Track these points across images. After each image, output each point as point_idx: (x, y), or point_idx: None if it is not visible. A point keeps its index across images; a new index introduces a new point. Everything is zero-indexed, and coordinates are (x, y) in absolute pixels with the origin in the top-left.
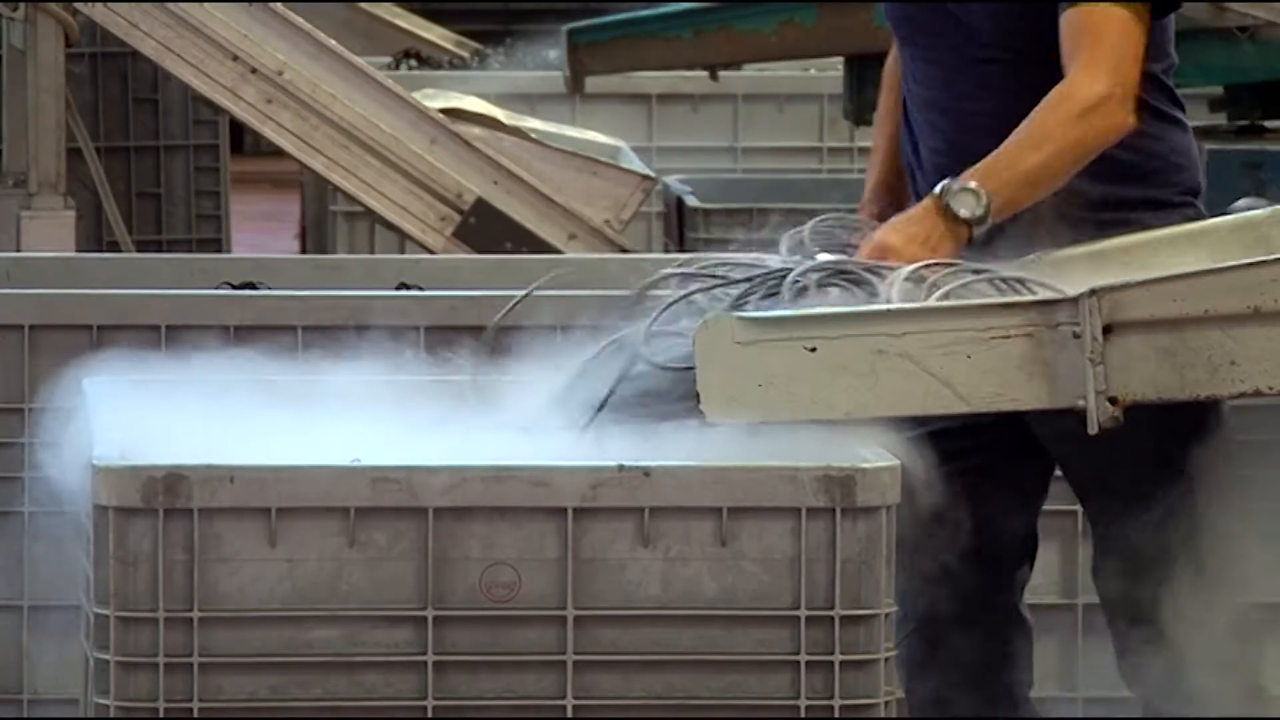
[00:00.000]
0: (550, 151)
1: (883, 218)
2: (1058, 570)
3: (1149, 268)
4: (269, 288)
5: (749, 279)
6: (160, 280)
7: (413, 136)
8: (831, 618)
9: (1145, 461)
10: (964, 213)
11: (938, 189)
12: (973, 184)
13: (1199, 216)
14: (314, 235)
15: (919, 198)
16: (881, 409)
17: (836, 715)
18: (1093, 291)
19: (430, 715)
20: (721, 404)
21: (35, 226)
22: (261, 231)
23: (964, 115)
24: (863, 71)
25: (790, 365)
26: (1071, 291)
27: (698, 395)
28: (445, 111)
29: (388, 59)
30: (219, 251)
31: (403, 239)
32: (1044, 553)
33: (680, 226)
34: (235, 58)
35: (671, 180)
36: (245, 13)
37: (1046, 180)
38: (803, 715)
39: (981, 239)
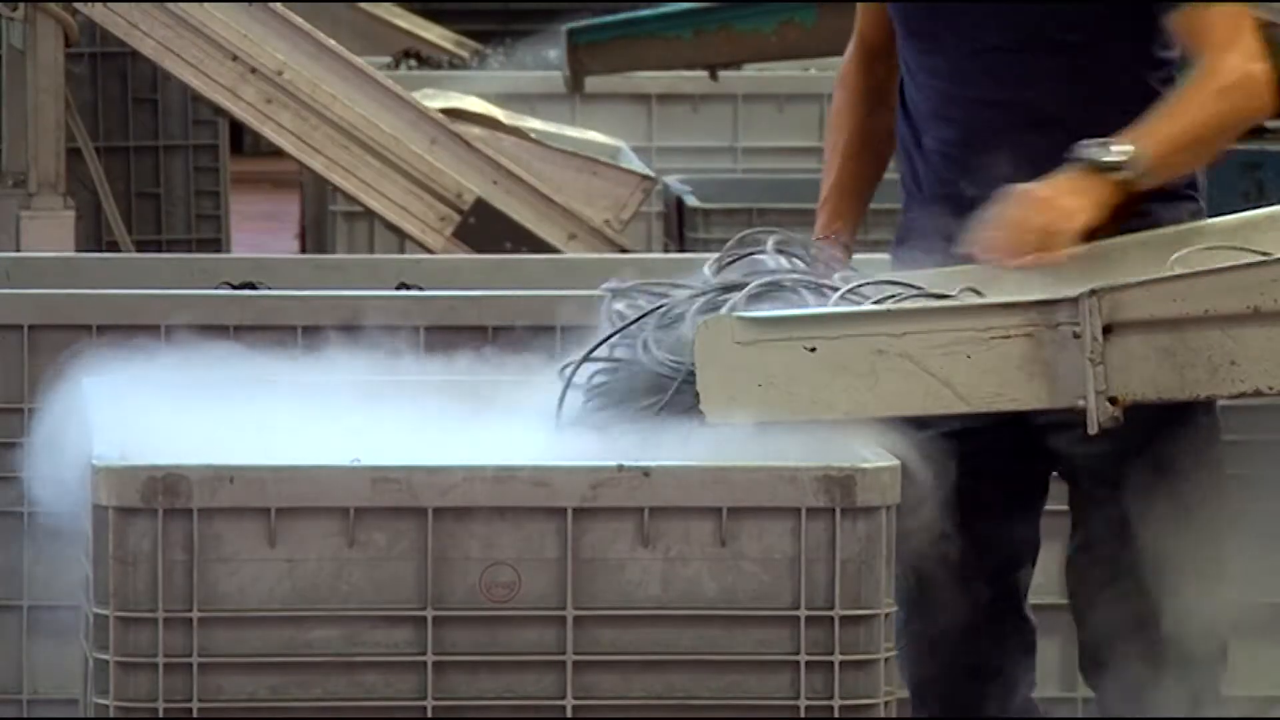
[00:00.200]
0: (550, 151)
1: (848, 244)
2: (1058, 570)
3: (1149, 268)
4: (269, 288)
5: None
6: (160, 280)
7: (413, 136)
8: (831, 618)
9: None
10: (1107, 158)
11: (1077, 149)
12: (1115, 140)
13: (1200, 211)
14: (314, 235)
15: (919, 189)
16: (881, 409)
17: (836, 715)
18: (1093, 291)
19: (430, 715)
20: (721, 404)
21: (35, 226)
22: (261, 231)
23: (980, 107)
24: None
25: (790, 365)
26: (1071, 292)
27: (697, 395)
28: (445, 111)
29: (388, 59)
30: (219, 251)
31: (403, 239)
32: (1044, 553)
33: (680, 226)
34: (235, 58)
35: (671, 180)
36: (245, 13)
37: (1194, 147)
38: (803, 715)
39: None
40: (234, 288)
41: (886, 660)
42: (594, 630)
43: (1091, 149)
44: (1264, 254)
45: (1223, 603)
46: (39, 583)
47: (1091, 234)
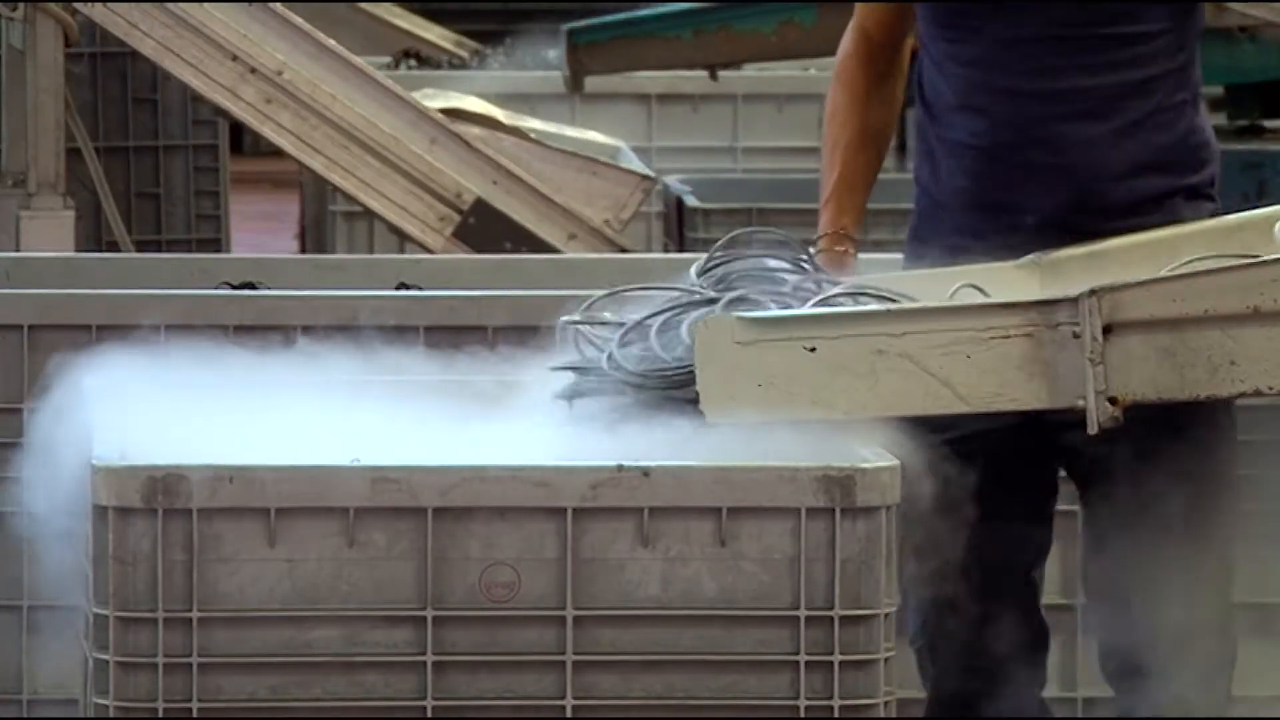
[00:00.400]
0: (550, 151)
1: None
2: (1058, 570)
3: (1148, 268)
4: (269, 288)
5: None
6: (160, 280)
7: (412, 136)
8: (831, 618)
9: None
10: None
11: None
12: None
13: (1218, 210)
14: (313, 235)
15: (937, 182)
16: (881, 409)
17: (836, 715)
18: (1093, 291)
19: (430, 715)
20: (721, 404)
21: (34, 226)
22: (261, 231)
23: (1015, 96)
24: None
25: (790, 365)
26: (1072, 292)
27: (697, 395)
28: (445, 111)
29: (388, 59)
30: (218, 251)
31: (402, 239)
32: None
33: (680, 226)
34: (235, 58)
35: (671, 180)
36: (245, 13)
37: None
38: (802, 715)
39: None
40: (234, 288)
41: (886, 660)
42: (594, 630)
43: None
44: (1254, 255)
45: (1230, 603)
46: (39, 583)
47: (1102, 232)
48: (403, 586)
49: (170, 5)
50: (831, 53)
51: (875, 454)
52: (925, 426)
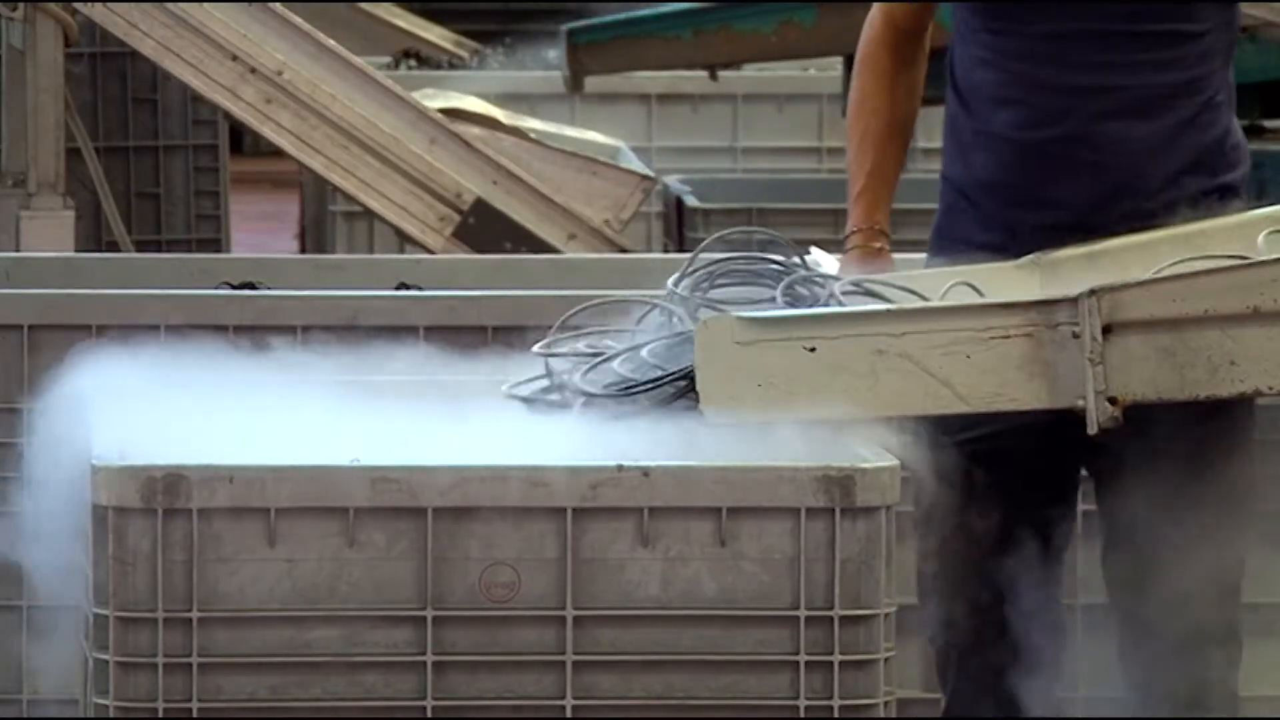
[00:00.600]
0: (550, 151)
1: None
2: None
3: (1148, 268)
4: (268, 288)
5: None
6: (160, 280)
7: (412, 136)
8: (831, 618)
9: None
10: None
11: None
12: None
13: (1248, 208)
14: (313, 235)
15: (971, 174)
16: (881, 409)
17: (836, 715)
18: (1092, 291)
19: (430, 715)
20: (721, 403)
21: (34, 226)
22: (261, 231)
23: (1061, 91)
24: None
25: (790, 365)
26: (1072, 292)
27: (697, 395)
28: (445, 111)
29: (388, 59)
30: (218, 251)
31: (402, 239)
32: None
33: (680, 226)
34: (234, 58)
35: (671, 180)
36: (245, 13)
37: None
38: (802, 715)
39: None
40: (234, 288)
41: (886, 660)
42: (594, 630)
43: None
44: (1241, 257)
45: (1240, 600)
46: (39, 583)
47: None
48: (403, 586)
49: (170, 5)
50: (831, 52)
51: (875, 454)
52: (946, 425)
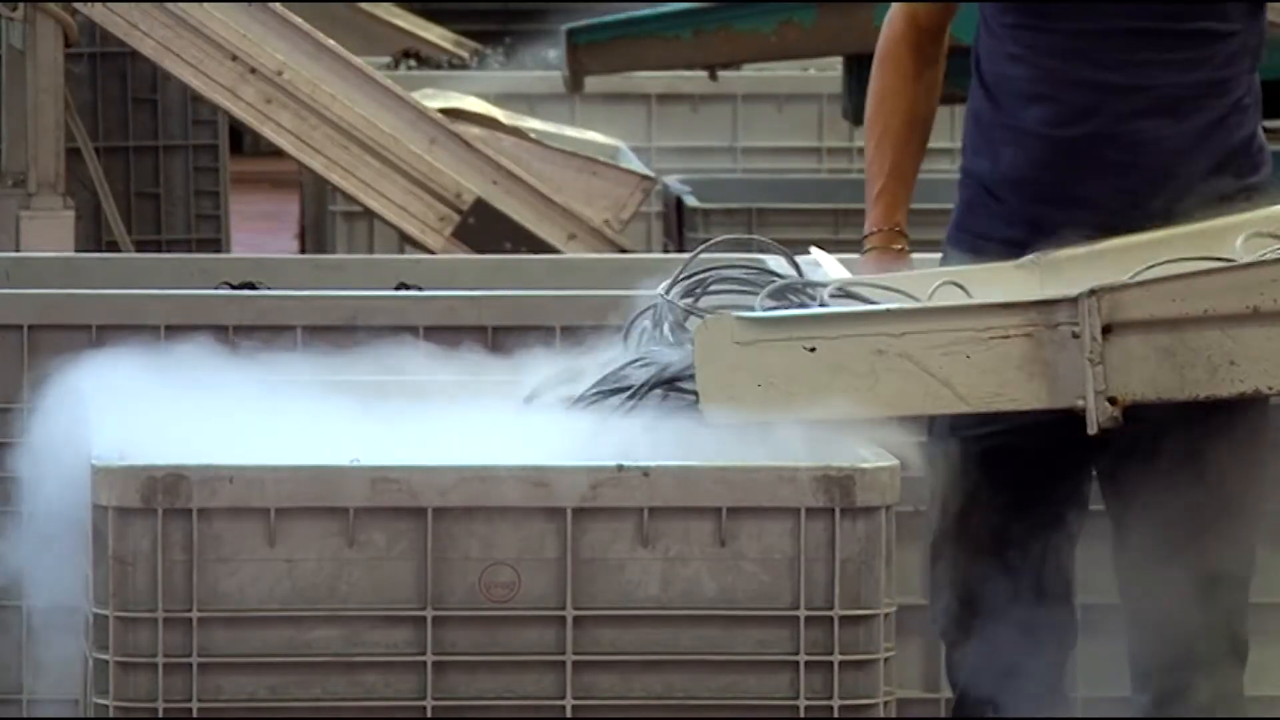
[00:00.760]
0: (550, 151)
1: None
2: None
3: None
4: (268, 288)
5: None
6: (160, 280)
7: (412, 136)
8: (831, 618)
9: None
10: None
11: None
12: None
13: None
14: (313, 235)
15: (998, 170)
16: (881, 409)
17: (836, 715)
18: (1092, 291)
19: (430, 715)
20: (721, 403)
21: (34, 226)
22: (261, 231)
23: (1092, 88)
24: (862, 71)
25: (790, 365)
26: (1072, 292)
27: (697, 395)
28: (445, 111)
29: (387, 59)
30: (218, 251)
31: (402, 239)
32: None
33: (680, 226)
34: (234, 57)
35: (671, 180)
36: (245, 13)
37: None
38: (802, 715)
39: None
40: (234, 288)
41: (886, 660)
42: (594, 630)
43: None
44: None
45: (1247, 600)
46: (39, 583)
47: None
48: (403, 586)
49: (170, 5)
50: (831, 52)
51: (875, 454)
52: (957, 421)
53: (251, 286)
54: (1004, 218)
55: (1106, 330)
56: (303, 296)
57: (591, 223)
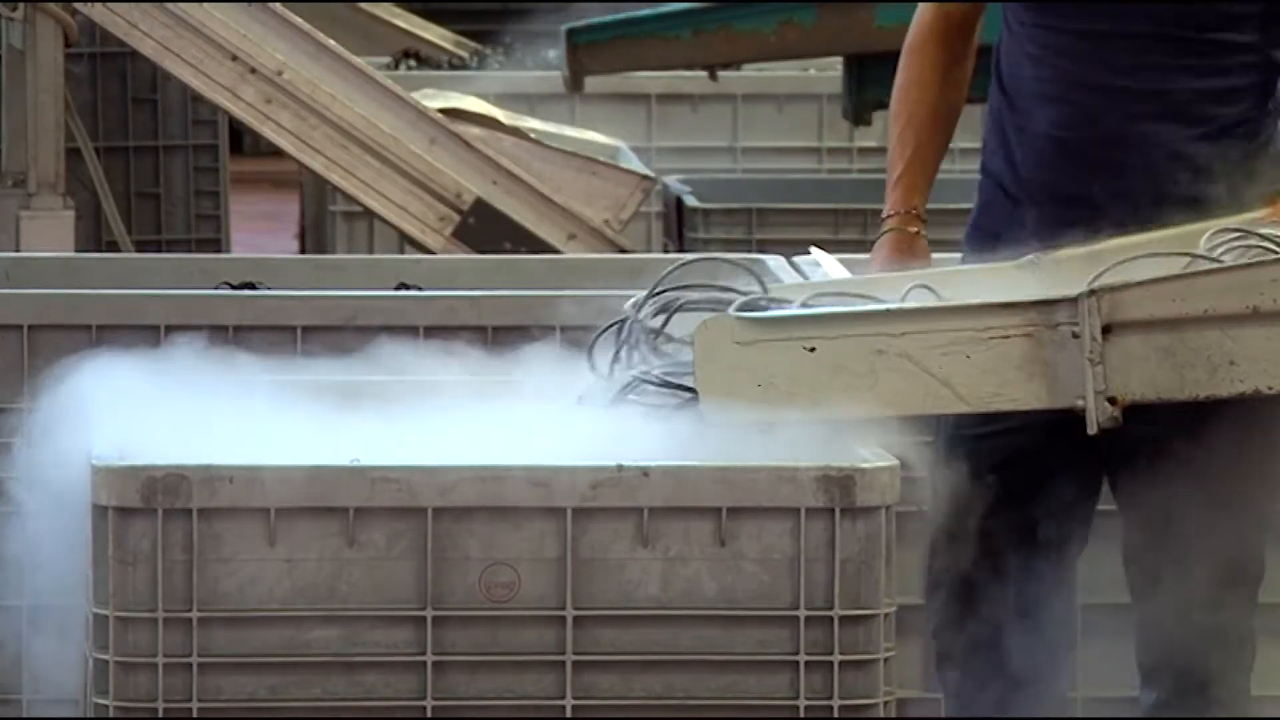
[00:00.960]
0: (550, 151)
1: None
2: None
3: (1147, 268)
4: (268, 288)
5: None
6: (160, 280)
7: (412, 136)
8: (831, 618)
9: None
10: None
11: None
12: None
13: None
14: (313, 235)
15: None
16: (881, 409)
17: (835, 715)
18: (1092, 291)
19: (430, 715)
20: (721, 404)
21: (34, 226)
22: (261, 231)
23: (1105, 91)
24: (862, 71)
25: (790, 365)
26: (1071, 292)
27: (696, 395)
28: (445, 111)
29: (387, 59)
30: (218, 251)
31: (402, 239)
32: None
33: (680, 226)
34: (234, 58)
35: (671, 180)
36: (245, 13)
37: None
38: (802, 715)
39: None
40: (234, 288)
41: (886, 660)
42: (594, 630)
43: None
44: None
45: (1255, 599)
46: (39, 583)
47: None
48: (402, 586)
49: (170, 5)
50: (831, 52)
51: (875, 454)
52: (961, 419)
53: (251, 286)
54: (1018, 218)
55: (1106, 330)
56: (303, 296)
57: (591, 223)
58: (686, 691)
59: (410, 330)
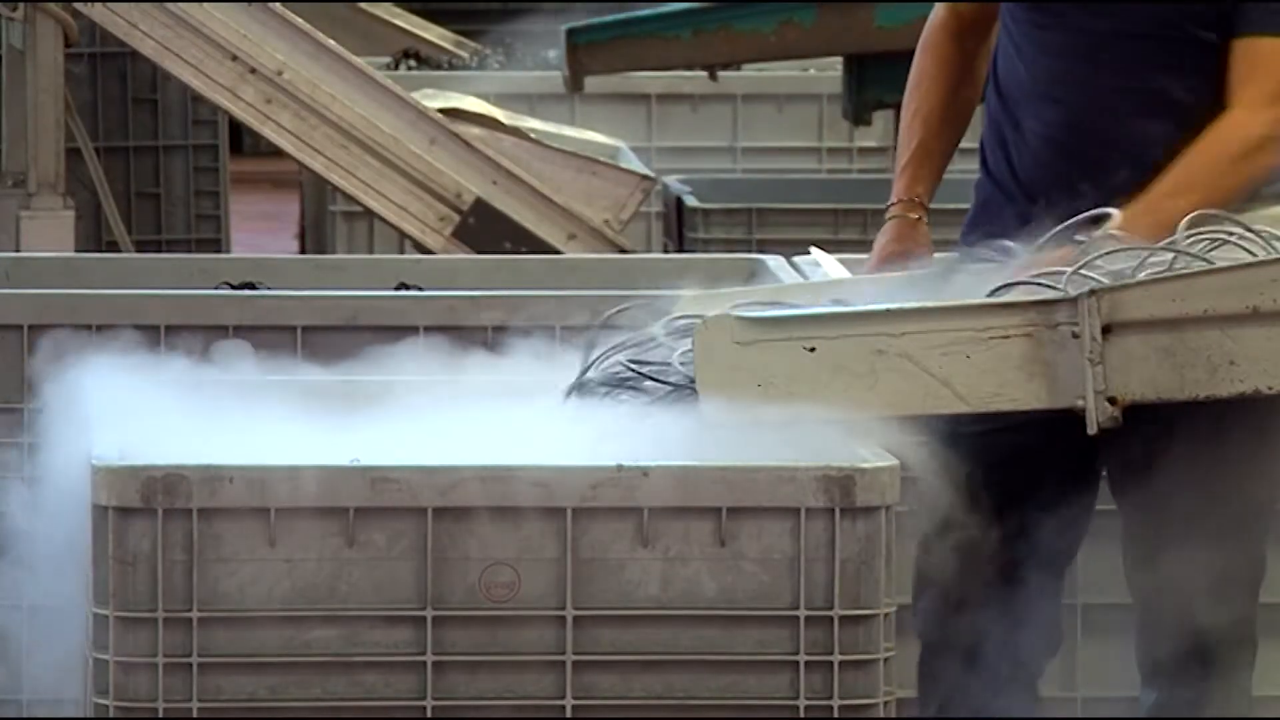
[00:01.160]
0: (550, 151)
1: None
2: None
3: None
4: (268, 288)
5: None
6: (160, 280)
7: (412, 136)
8: (831, 618)
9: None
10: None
11: (1081, 239)
12: (1116, 233)
13: None
14: (313, 235)
15: (1010, 170)
16: (881, 409)
17: (835, 715)
18: (1092, 291)
19: (430, 715)
20: (721, 404)
21: (34, 226)
22: (261, 231)
23: (1098, 90)
24: (862, 71)
25: (790, 365)
26: (1071, 291)
27: (696, 395)
28: (445, 111)
29: (387, 59)
30: (218, 251)
31: (402, 239)
32: None
33: (679, 226)
34: (234, 58)
35: (671, 180)
36: (245, 13)
37: (1195, 214)
38: (802, 715)
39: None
40: (234, 288)
41: (886, 660)
42: (594, 630)
43: (1081, 233)
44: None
45: (1256, 599)
46: (39, 585)
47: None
48: (402, 586)
49: (170, 5)
50: (831, 52)
51: (875, 454)
52: (959, 417)
53: (251, 286)
54: (1014, 216)
55: (1106, 330)
56: (303, 296)
57: (591, 223)
58: (686, 691)
59: (410, 330)
